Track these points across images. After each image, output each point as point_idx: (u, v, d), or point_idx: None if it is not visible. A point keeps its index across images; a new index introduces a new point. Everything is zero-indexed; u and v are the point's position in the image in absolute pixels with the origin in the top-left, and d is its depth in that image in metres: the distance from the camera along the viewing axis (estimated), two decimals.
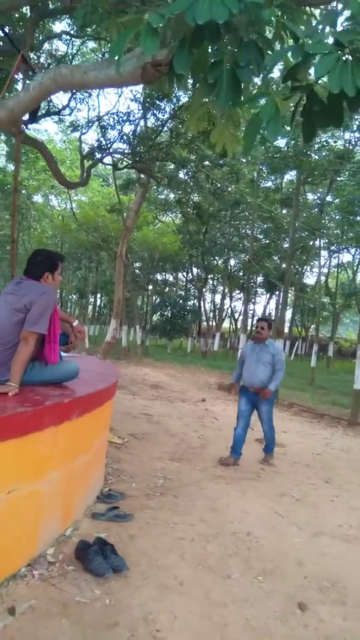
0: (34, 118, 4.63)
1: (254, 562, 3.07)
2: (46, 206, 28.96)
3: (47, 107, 11.65)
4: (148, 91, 11.79)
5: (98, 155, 11.10)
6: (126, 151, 11.71)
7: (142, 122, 12.21)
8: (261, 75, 2.17)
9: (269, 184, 21.75)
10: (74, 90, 10.57)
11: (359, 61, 1.77)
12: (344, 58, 1.80)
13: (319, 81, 1.98)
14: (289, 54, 1.91)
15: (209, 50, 2.08)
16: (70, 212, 21.66)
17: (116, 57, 2.04)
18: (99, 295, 35.36)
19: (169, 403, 8.92)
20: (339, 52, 1.80)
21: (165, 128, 12.74)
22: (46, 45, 11.98)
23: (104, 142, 11.23)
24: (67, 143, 24.66)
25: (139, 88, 12.23)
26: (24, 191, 25.40)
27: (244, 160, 19.65)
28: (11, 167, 21.94)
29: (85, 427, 3.14)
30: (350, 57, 1.79)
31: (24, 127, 10.79)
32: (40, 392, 2.87)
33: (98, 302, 37.86)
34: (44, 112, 11.32)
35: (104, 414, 3.69)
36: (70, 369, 3.26)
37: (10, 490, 2.34)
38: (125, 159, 12.22)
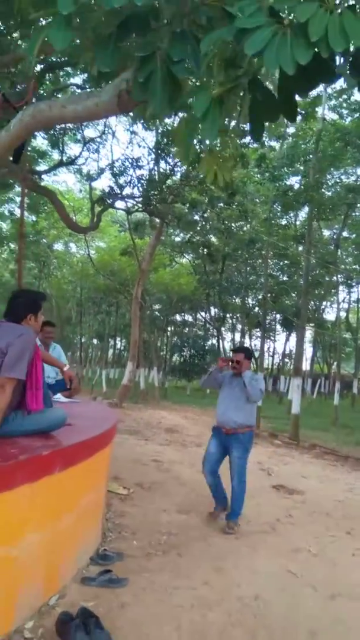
0: (17, 159, 4.67)
1: (259, 633, 2.72)
2: (66, 254, 29.67)
3: (60, 158, 12.05)
4: (159, 138, 12.12)
5: (109, 201, 11.31)
6: (137, 195, 11.93)
7: (152, 167, 12.48)
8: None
9: (284, 221, 21.83)
10: (64, 127, 10.70)
11: (299, 33, 1.53)
12: (281, 32, 1.56)
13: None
14: (224, 35, 1.69)
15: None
16: (88, 257, 22.06)
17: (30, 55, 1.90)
18: (118, 338, 35.47)
19: (182, 448, 8.57)
20: (276, 24, 1.58)
21: (177, 171, 13.02)
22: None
23: (115, 188, 11.47)
24: (85, 192, 25.48)
25: (150, 135, 12.61)
26: (44, 240, 26.17)
27: (258, 200, 19.86)
28: (32, 218, 22.70)
29: (72, 481, 2.91)
30: (289, 30, 1.56)
31: (38, 177, 11.17)
32: (19, 444, 2.68)
33: (118, 345, 37.95)
34: (57, 162, 11.69)
35: (97, 465, 3.46)
36: (56, 416, 3.07)
37: None
38: (136, 203, 12.44)
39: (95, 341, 37.16)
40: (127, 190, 11.64)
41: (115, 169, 11.78)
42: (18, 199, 22.43)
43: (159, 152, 12.33)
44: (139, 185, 11.38)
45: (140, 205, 12.24)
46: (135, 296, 15.22)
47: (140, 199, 11.73)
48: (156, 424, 11.49)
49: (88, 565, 3.33)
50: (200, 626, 2.73)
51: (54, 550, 2.78)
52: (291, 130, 15.26)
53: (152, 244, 15.86)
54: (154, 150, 12.14)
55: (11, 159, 4.89)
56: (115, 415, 4.48)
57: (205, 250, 15.39)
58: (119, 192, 11.25)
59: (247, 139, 11.61)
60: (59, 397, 5.30)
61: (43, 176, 14.88)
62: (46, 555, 2.69)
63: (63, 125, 12.00)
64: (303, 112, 11.93)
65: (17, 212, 23.32)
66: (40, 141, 14.72)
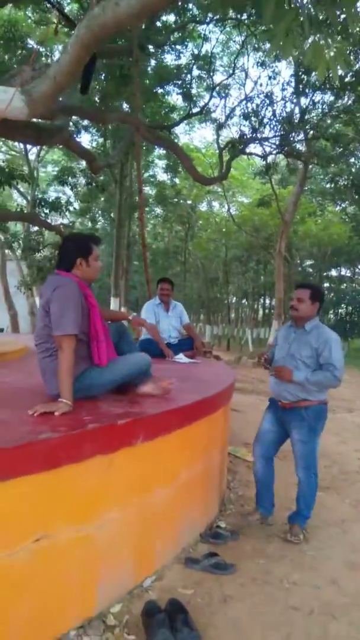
0: (86, 89, 4.20)
1: None
2: (210, 214, 29.50)
3: (188, 110, 11.57)
4: (297, 67, 10.79)
5: (240, 147, 10.50)
6: (272, 137, 10.87)
7: (286, 103, 11.23)
8: None
9: None
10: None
11: None
12: None
13: None
14: None
15: None
16: (228, 214, 21.47)
17: None
18: (267, 297, 34.61)
19: (330, 414, 7.69)
20: None
21: (320, 105, 11.54)
22: None
23: (247, 132, 10.60)
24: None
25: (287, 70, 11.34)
26: (188, 201, 26.28)
27: None
28: (176, 180, 22.83)
29: (165, 451, 2.55)
30: None
31: (168, 132, 10.87)
32: (98, 410, 2.38)
33: (268, 304, 37.11)
34: (183, 114, 11.24)
35: (203, 432, 3.04)
36: (134, 360, 2.73)
37: (39, 538, 1.88)
38: (272, 145, 11.37)
39: (244, 301, 36.85)
40: (260, 133, 10.66)
41: (247, 107, 10.78)
42: (160, 162, 22.78)
43: (298, 82, 10.94)
44: (275, 123, 10.29)
45: (276, 147, 11.14)
46: (278, 250, 14.29)
47: (277, 140, 10.64)
48: None
49: (197, 542, 2.99)
50: (317, 639, 2.18)
51: (147, 527, 2.47)
52: None
53: (296, 192, 14.60)
54: (292, 78, 10.75)
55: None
56: (231, 377, 4.00)
57: (354, 189, 13.49)
58: (251, 134, 10.35)
59: None
60: (180, 357, 5.02)
61: (180, 134, 14.61)
62: (135, 533, 2.39)
63: (192, 73, 11.39)
64: None
65: (159, 176, 23.75)
66: (175, 97, 14.43)
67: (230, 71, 12.34)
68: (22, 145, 19.60)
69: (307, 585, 2.63)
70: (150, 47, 9.89)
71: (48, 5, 4.25)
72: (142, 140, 6.14)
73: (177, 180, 22.15)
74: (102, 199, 19.30)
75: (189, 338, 5.36)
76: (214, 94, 11.48)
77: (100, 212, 23.30)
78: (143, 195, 6.01)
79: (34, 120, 7.15)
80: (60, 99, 7.82)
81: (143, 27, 7.93)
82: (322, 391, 3.16)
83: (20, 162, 20.16)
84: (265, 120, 10.44)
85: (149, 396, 2.77)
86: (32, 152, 20.41)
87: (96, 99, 10.27)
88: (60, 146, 11.72)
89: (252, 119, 10.57)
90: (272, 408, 3.34)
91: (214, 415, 3.15)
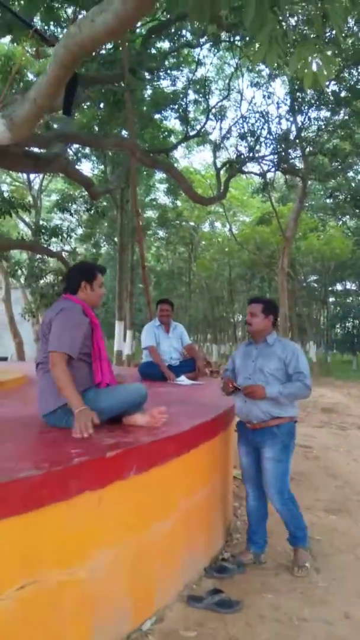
0: (68, 110, 4.17)
1: None
2: (213, 234, 29.64)
3: (184, 133, 11.68)
4: (293, 86, 10.90)
5: (237, 166, 10.55)
6: (268, 154, 10.93)
7: (286, 123, 11.33)
8: None
9: None
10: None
11: None
12: None
13: None
14: None
15: None
16: (230, 234, 21.54)
17: None
18: None
19: (340, 431, 7.55)
20: None
21: (316, 121, 11.61)
22: None
23: (244, 151, 10.67)
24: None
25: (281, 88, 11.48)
26: (191, 223, 26.43)
27: None
28: (178, 203, 23.01)
29: (161, 482, 2.42)
30: None
31: (166, 155, 10.96)
32: (87, 442, 2.27)
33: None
34: (181, 137, 11.35)
35: (203, 460, 2.91)
36: (131, 390, 2.70)
37: (23, 585, 1.75)
38: (269, 163, 11.43)
39: None
40: (257, 152, 10.72)
41: (243, 127, 10.88)
42: (160, 186, 22.99)
43: (294, 100, 11.03)
44: (271, 141, 10.36)
45: (273, 165, 11.18)
46: (281, 267, 14.25)
47: (274, 158, 10.69)
48: (311, 403, 10.49)
49: (201, 578, 2.83)
50: None
51: (145, 565, 2.33)
52: None
53: (296, 209, 14.60)
54: (288, 96, 10.84)
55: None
56: (228, 402, 3.86)
57: (352, 202, 13.43)
58: (249, 154, 10.41)
59: None
60: (182, 379, 4.92)
61: (179, 157, 14.73)
62: (132, 572, 2.25)
63: (188, 97, 11.52)
64: None
65: (160, 199, 23.95)
66: (172, 122, 14.62)
67: (226, 93, 12.56)
68: (25, 176, 19.98)
69: (318, 620, 2.46)
70: (146, 73, 10.07)
71: (37, 35, 4.30)
72: (138, 164, 6.16)
73: (178, 203, 22.35)
74: (105, 224, 19.47)
75: (191, 359, 5.25)
76: (211, 116, 11.63)
77: (103, 237, 23.51)
78: (142, 218, 6.00)
79: (34, 149, 7.24)
80: (56, 126, 7.93)
81: (135, 52, 8.06)
82: (294, 405, 3.04)
83: (24, 191, 20.46)
84: (262, 139, 10.52)
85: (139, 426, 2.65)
86: (36, 182, 20.78)
87: (95, 126, 10.47)
88: (61, 174, 11.87)
89: (249, 138, 10.67)
90: (243, 437, 3.15)
91: (214, 439, 3.02)
